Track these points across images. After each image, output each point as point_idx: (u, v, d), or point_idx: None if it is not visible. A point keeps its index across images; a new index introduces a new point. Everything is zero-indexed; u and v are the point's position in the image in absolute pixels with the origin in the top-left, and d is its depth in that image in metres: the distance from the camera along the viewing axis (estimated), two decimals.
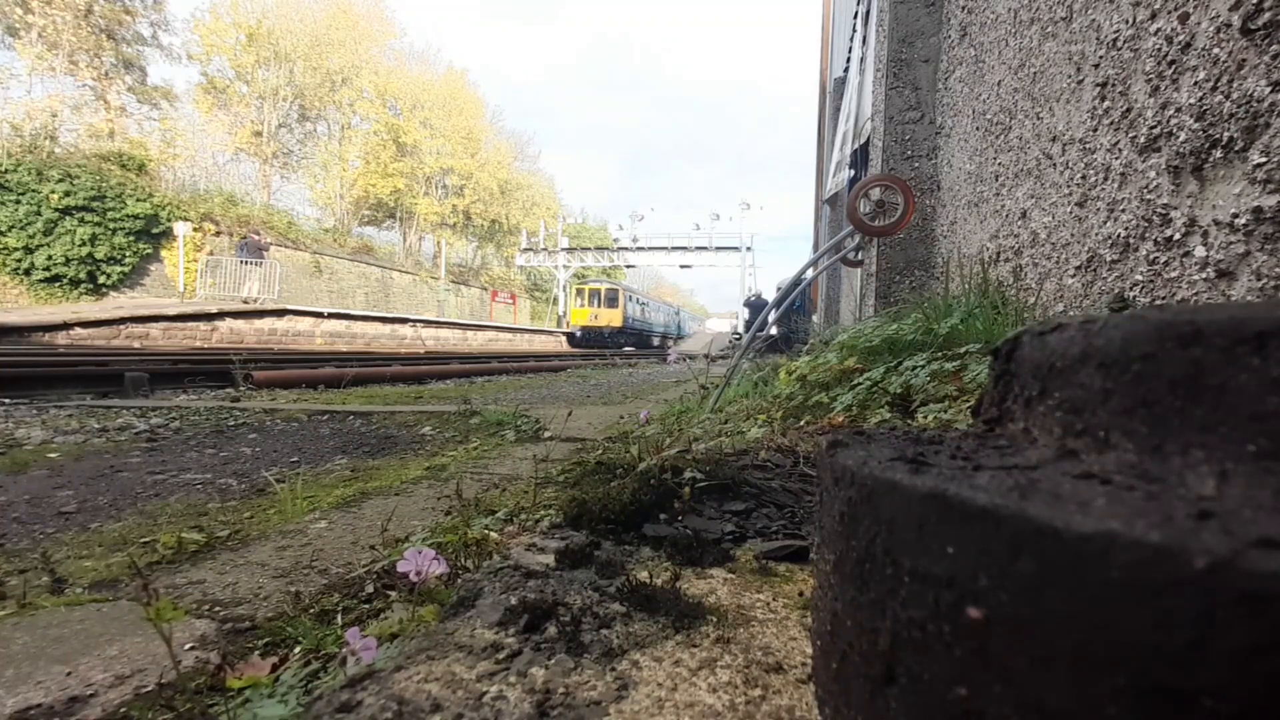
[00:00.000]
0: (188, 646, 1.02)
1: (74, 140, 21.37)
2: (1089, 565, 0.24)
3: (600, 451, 1.97)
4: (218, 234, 20.80)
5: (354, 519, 1.75)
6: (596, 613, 0.73)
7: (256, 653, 0.98)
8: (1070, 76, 1.90)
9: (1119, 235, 1.58)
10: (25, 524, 1.95)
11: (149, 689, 0.88)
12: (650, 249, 43.90)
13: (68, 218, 17.63)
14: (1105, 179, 1.66)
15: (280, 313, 18.34)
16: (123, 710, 0.84)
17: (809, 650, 0.64)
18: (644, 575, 0.82)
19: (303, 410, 4.38)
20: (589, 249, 45.52)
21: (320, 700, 0.56)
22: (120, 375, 5.82)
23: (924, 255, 4.05)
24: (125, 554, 1.54)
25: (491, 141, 43.48)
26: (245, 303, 18.29)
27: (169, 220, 19.32)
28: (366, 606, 1.09)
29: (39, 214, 17.25)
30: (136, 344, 13.52)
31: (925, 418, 1.57)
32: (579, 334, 32.60)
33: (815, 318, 12.15)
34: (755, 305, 14.54)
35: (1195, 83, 1.26)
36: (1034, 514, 0.27)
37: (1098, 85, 1.70)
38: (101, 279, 18.37)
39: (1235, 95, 1.15)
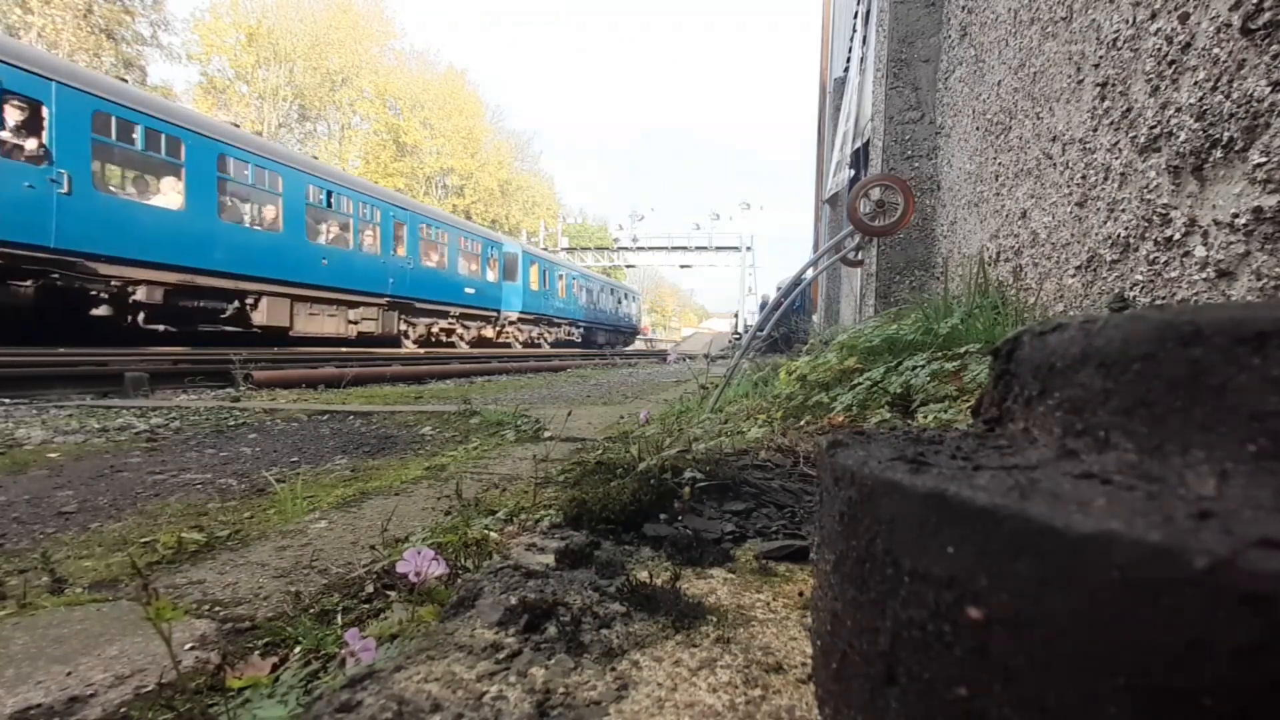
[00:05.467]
0: (188, 646, 1.02)
1: None
2: (1089, 565, 0.24)
3: (600, 451, 1.97)
4: None
5: (354, 519, 1.75)
6: (596, 613, 0.73)
7: (256, 653, 0.98)
8: (1070, 76, 1.90)
9: (1119, 235, 1.58)
10: (25, 524, 1.95)
11: (149, 689, 0.88)
12: (650, 249, 43.91)
13: None
14: (1105, 179, 1.66)
15: None
16: (123, 710, 0.84)
17: (809, 650, 0.64)
18: (644, 575, 0.82)
19: (303, 410, 4.37)
20: (589, 249, 45.54)
21: (320, 700, 0.56)
22: (120, 375, 5.82)
23: (924, 255, 4.05)
24: (125, 554, 1.53)
25: (491, 141, 43.54)
26: None
27: None
28: (366, 606, 1.09)
29: None
30: None
31: (925, 418, 1.57)
32: None
33: (815, 318, 12.15)
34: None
35: (1195, 83, 1.26)
36: (1034, 514, 0.27)
37: (1098, 85, 1.70)
38: None
39: (1235, 95, 1.15)
